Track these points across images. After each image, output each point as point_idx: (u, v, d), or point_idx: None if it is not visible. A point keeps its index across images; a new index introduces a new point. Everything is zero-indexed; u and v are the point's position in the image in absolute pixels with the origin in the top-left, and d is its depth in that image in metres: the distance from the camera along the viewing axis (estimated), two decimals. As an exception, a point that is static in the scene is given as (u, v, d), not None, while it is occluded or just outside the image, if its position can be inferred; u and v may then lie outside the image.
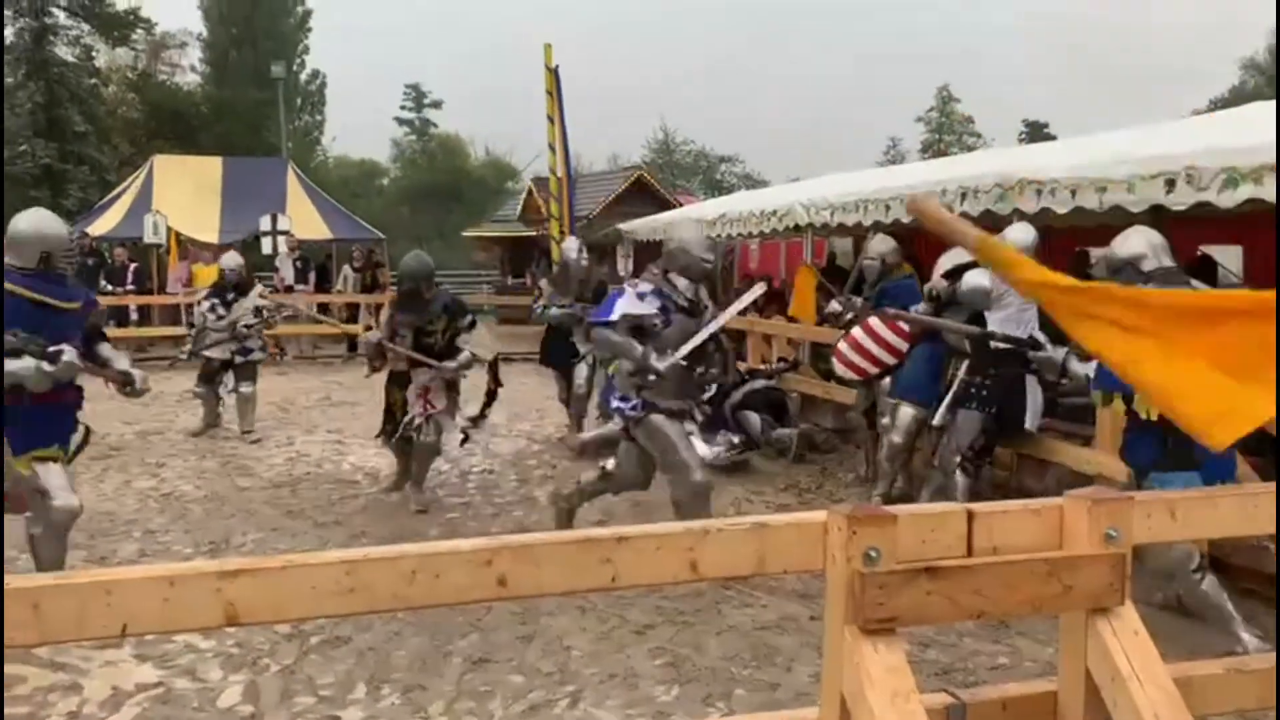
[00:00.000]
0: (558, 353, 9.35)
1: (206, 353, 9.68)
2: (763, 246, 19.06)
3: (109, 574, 2.06)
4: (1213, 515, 2.57)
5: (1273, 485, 2.66)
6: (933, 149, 48.14)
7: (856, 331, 6.95)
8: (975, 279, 5.87)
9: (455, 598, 2.22)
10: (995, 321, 5.85)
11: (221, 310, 9.54)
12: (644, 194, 23.03)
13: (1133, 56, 63.24)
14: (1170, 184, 5.51)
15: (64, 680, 4.15)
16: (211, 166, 21.69)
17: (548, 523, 6.07)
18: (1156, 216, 7.15)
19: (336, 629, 4.67)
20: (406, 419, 6.93)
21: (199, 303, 10.02)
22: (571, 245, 9.57)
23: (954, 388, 6.07)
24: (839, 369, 7.16)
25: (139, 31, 34.15)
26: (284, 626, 4.67)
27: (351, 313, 17.70)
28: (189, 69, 40.52)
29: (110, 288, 16.10)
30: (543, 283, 9.73)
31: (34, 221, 4.72)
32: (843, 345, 7.02)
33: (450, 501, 7.23)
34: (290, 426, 10.20)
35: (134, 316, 16.59)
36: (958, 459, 5.85)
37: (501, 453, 8.88)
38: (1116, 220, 7.29)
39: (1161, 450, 4.13)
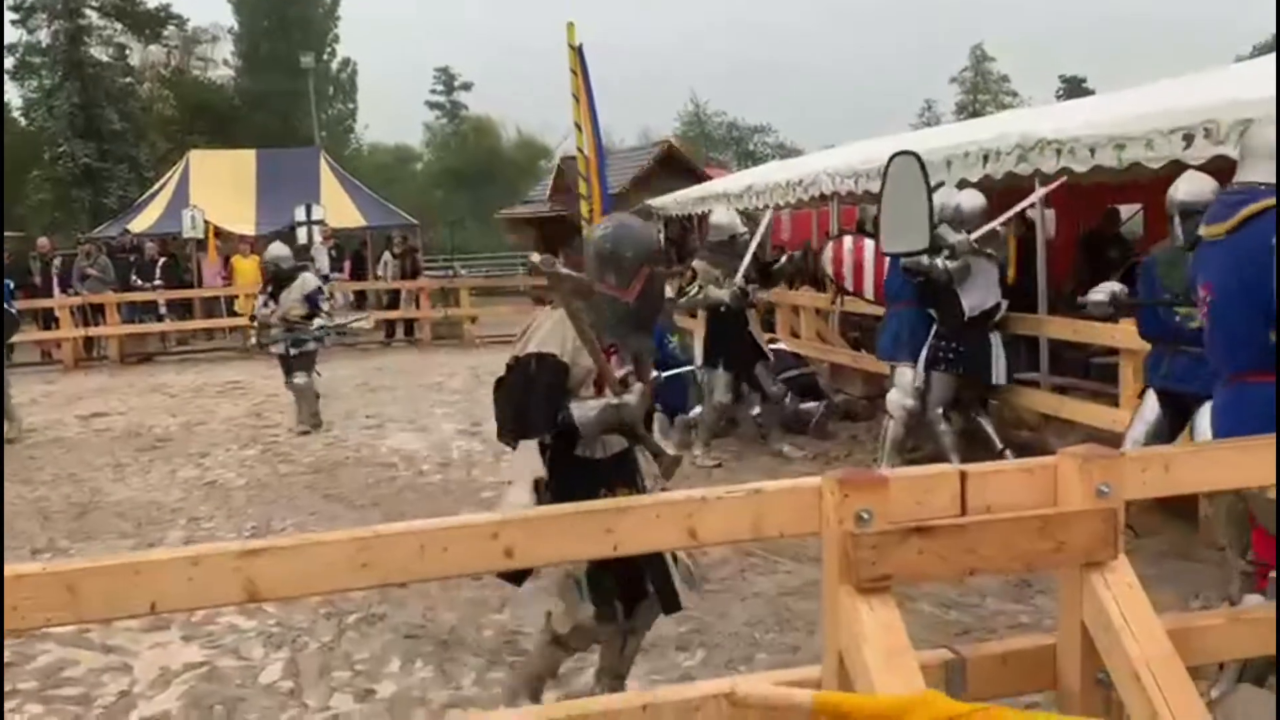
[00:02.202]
0: (731, 347, 7.64)
1: (271, 349, 9.58)
2: (794, 216, 19.01)
3: (137, 556, 2.20)
4: (1206, 470, 2.60)
5: (1270, 437, 2.68)
6: (968, 110, 47.50)
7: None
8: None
9: (463, 569, 2.33)
10: (967, 293, 6.50)
11: (272, 304, 9.41)
12: (675, 167, 22.96)
13: (1174, 5, 61.82)
14: (1188, 139, 5.46)
15: (115, 662, 4.34)
16: (246, 159, 22.01)
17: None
18: (1178, 171, 7.12)
19: (373, 608, 4.83)
20: None
21: (256, 297, 10.04)
22: (723, 214, 8.43)
23: (924, 352, 6.59)
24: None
25: (171, 28, 34.60)
26: (323, 607, 4.84)
27: (392, 298, 17.94)
28: (221, 63, 41.03)
29: (140, 283, 16.36)
30: (697, 262, 8.00)
31: None
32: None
33: (485, 480, 7.36)
34: (328, 412, 10.37)
35: (162, 311, 16.64)
36: (940, 411, 6.59)
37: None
38: (1143, 174, 7.27)
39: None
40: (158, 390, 11.27)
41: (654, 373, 6.55)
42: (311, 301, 9.38)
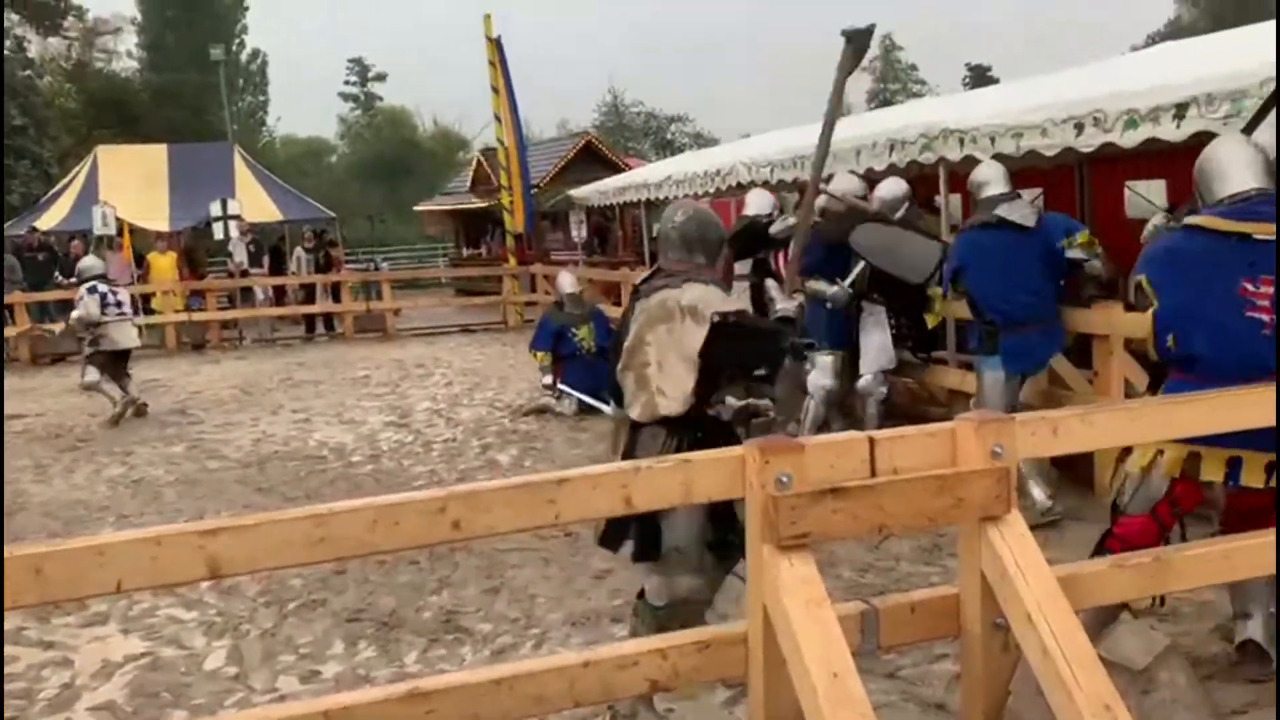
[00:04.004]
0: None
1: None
2: (713, 205, 19.33)
3: (101, 539, 2.31)
4: (1089, 430, 2.87)
5: (1148, 398, 2.97)
6: (878, 98, 48.47)
7: None
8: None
9: (414, 541, 2.48)
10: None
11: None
12: (593, 159, 23.13)
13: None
14: (1079, 127, 5.82)
15: (55, 657, 4.38)
16: (156, 154, 21.53)
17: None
18: (1083, 155, 7.51)
19: (313, 594, 4.93)
20: None
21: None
22: (762, 201, 8.50)
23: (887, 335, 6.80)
24: None
25: (70, 19, 33.54)
26: (263, 595, 4.93)
27: (308, 293, 17.79)
28: (125, 55, 39.93)
29: (63, 280, 15.98)
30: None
31: None
32: None
33: (416, 470, 7.46)
34: (254, 408, 10.36)
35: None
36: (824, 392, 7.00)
37: (464, 420, 9.11)
38: (1042, 162, 7.65)
39: (979, 341, 5.54)
40: (74, 390, 11.03)
41: None
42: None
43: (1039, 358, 5.56)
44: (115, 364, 9.85)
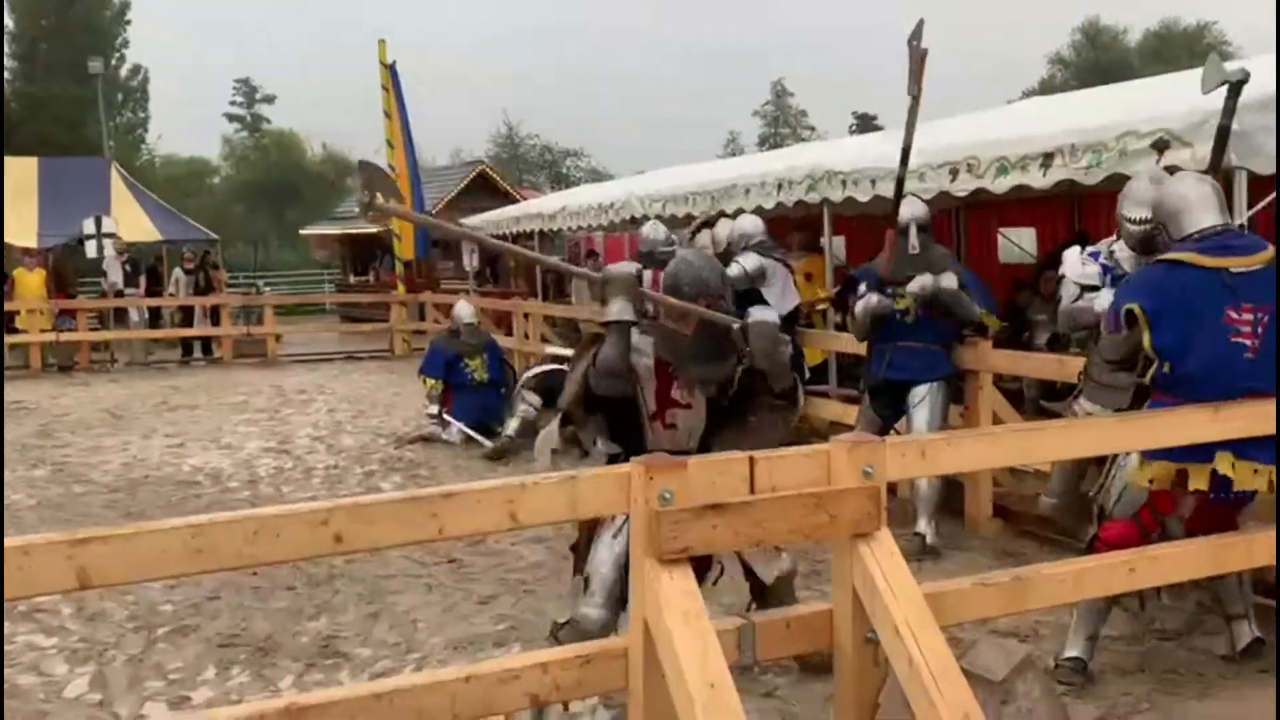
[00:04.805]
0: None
1: None
2: (608, 239, 19.50)
3: (-36, 549, 2.22)
4: (955, 453, 3.03)
5: (1019, 424, 3.15)
6: (769, 141, 49.72)
7: None
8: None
9: (295, 554, 2.46)
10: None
11: None
12: (487, 188, 23.10)
13: (948, 50, 67.08)
14: (954, 173, 6.12)
15: (-100, 685, 4.13)
16: (27, 167, 20.63)
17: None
18: (959, 201, 7.87)
19: (184, 619, 4.78)
20: None
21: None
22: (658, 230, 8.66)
23: None
24: None
25: (-63, 25, 32.02)
26: (131, 621, 4.75)
27: (186, 315, 17.25)
28: (-4, 64, 38.18)
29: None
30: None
31: None
32: None
33: (295, 496, 7.29)
34: (126, 432, 9.97)
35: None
36: None
37: (346, 447, 8.96)
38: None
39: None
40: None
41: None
42: None
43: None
44: None
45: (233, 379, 14.00)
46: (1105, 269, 4.44)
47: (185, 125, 60.30)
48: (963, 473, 5.32)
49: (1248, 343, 3.57)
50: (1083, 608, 3.70)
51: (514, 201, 20.56)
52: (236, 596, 5.03)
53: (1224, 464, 3.48)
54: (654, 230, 8.67)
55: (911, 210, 5.67)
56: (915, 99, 5.38)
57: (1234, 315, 3.58)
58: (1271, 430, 3.42)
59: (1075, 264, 4.56)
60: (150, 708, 3.90)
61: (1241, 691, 3.49)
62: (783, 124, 53.46)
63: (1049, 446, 3.32)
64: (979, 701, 2.56)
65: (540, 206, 15.08)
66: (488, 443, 8.50)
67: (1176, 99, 5.09)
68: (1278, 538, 3.22)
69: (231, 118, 50.25)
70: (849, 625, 2.83)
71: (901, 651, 2.64)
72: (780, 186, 7.74)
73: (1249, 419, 3.44)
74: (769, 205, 7.95)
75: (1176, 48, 41.03)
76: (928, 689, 2.53)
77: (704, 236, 8.29)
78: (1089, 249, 4.59)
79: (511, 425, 8.38)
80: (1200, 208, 3.68)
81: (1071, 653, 3.77)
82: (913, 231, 5.58)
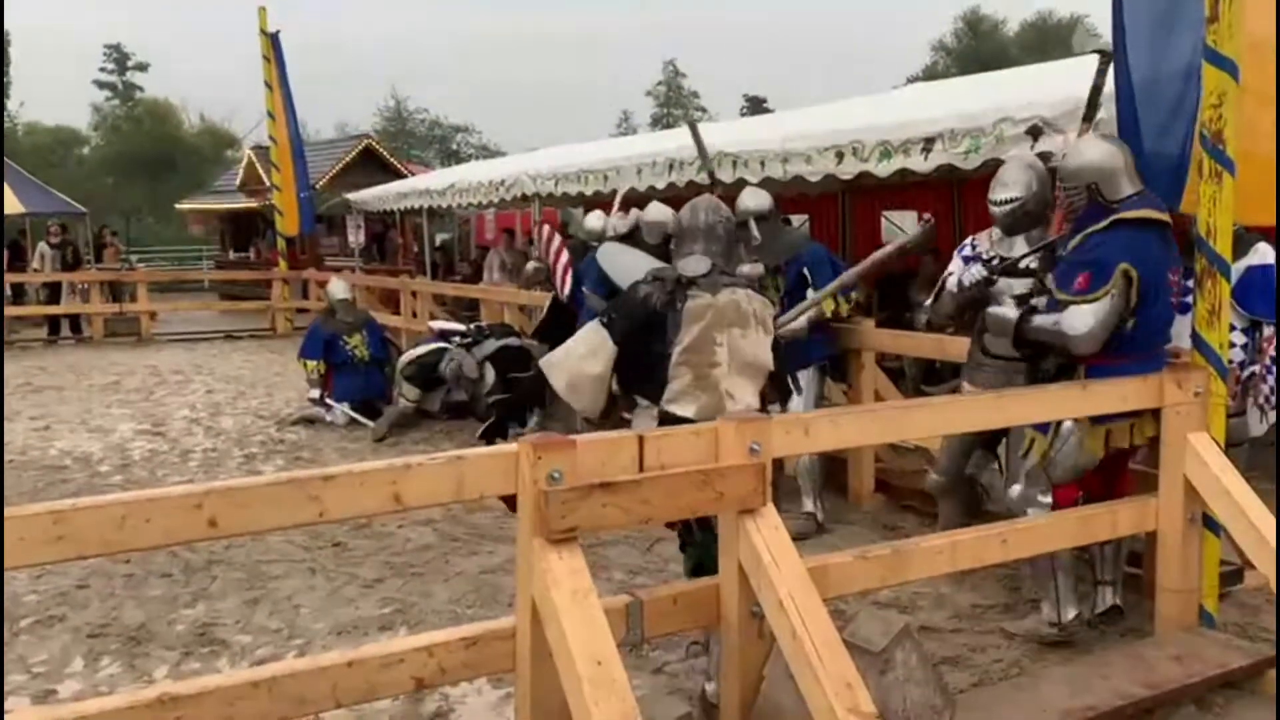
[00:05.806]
0: None
1: None
2: (499, 217, 19.28)
3: None
4: (837, 430, 3.09)
5: (899, 401, 3.23)
6: (662, 122, 49.85)
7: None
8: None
9: (167, 539, 2.36)
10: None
11: None
12: (374, 163, 22.53)
13: (831, 37, 68.65)
14: (840, 156, 6.22)
15: None
16: (-128, 132, 19.35)
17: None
18: (845, 184, 8.02)
19: (49, 610, 4.56)
20: None
21: None
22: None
23: None
24: None
25: None
26: (-11, 613, 4.51)
27: (52, 292, 16.43)
28: None
29: None
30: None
31: None
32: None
33: (171, 480, 7.03)
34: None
35: None
36: None
37: (225, 429, 8.67)
38: (810, 188, 8.09)
39: None
40: None
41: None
42: None
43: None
44: None
45: (104, 359, 13.40)
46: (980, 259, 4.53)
47: (51, 92, 57.35)
48: (846, 449, 5.45)
49: (1175, 301, 3.80)
50: (1043, 574, 3.87)
51: (401, 177, 20.15)
52: (107, 585, 4.82)
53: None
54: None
55: (747, 202, 5.59)
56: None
57: (1173, 278, 3.76)
58: (1128, 408, 3.60)
59: (960, 269, 4.59)
60: (13, 703, 3.70)
61: (1105, 656, 3.66)
62: (675, 104, 53.65)
63: (927, 423, 3.42)
64: (859, 671, 2.62)
65: (429, 183, 14.80)
66: (372, 424, 8.33)
67: (1051, 87, 5.27)
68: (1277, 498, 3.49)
69: (102, 85, 47.92)
70: (735, 599, 2.87)
71: (785, 624, 2.69)
72: (671, 166, 7.75)
73: (1113, 397, 3.60)
74: (660, 185, 7.96)
75: (1051, 40, 42.57)
76: (810, 660, 2.59)
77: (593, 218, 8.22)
78: (962, 252, 4.56)
79: (385, 418, 8.23)
80: (1128, 169, 3.77)
81: (1075, 613, 3.89)
82: (751, 224, 5.50)
